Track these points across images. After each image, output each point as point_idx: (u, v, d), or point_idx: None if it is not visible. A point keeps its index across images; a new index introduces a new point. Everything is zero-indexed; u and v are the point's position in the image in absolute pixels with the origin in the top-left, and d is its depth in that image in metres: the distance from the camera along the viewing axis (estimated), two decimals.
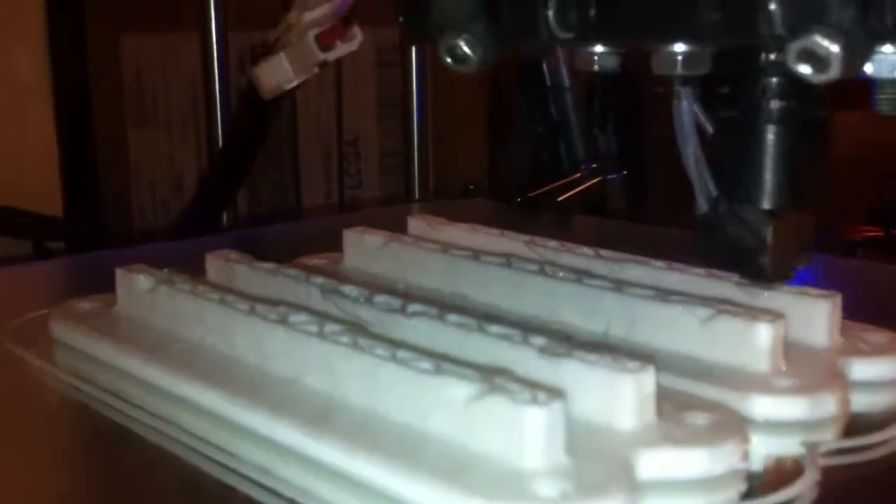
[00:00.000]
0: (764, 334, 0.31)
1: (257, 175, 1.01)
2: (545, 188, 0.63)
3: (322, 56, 0.55)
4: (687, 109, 0.32)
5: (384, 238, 0.43)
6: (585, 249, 0.41)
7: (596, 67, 0.32)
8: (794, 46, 0.27)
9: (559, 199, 0.63)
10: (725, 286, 0.36)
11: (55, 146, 0.69)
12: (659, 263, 0.38)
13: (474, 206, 0.67)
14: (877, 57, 0.29)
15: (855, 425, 0.30)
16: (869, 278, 0.48)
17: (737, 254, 0.33)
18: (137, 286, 0.36)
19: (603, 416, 0.27)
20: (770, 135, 0.32)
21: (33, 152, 0.69)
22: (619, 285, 0.35)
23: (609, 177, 0.66)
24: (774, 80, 0.31)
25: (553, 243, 0.42)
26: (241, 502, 0.26)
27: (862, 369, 0.33)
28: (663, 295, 0.34)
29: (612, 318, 0.35)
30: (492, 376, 0.26)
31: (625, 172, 0.67)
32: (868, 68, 0.28)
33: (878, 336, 0.35)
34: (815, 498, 0.26)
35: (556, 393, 0.25)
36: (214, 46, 0.76)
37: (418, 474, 0.25)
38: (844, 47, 0.26)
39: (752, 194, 0.32)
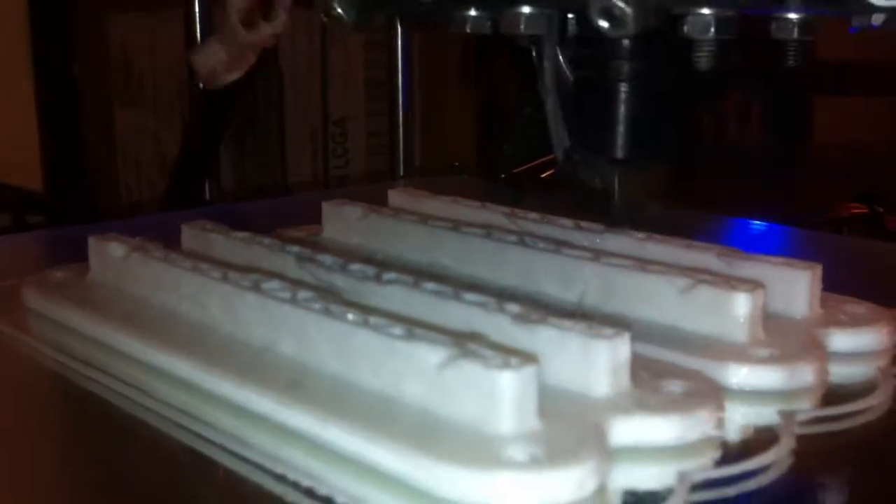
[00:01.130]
0: (742, 303, 0.31)
1: (244, 155, 1.01)
2: (529, 165, 0.63)
3: (244, 35, 0.55)
4: (549, 68, 0.35)
5: (363, 210, 0.43)
6: (565, 221, 0.40)
7: (522, 28, 0.34)
8: (595, 4, 0.31)
9: (542, 175, 0.62)
10: (706, 257, 0.36)
11: (35, 119, 0.68)
12: (639, 234, 0.38)
13: (459, 183, 0.67)
14: (691, 18, 0.32)
15: (834, 395, 0.30)
16: (852, 253, 0.48)
17: (590, 199, 0.37)
18: (110, 254, 0.36)
19: (577, 383, 0.27)
20: (619, 92, 0.35)
21: (14, 125, 0.69)
22: (598, 255, 0.35)
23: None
24: (625, 42, 0.35)
25: (533, 215, 0.41)
26: (212, 469, 0.26)
27: (841, 340, 0.33)
28: (642, 265, 0.34)
29: (590, 287, 0.34)
30: (464, 341, 0.26)
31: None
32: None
33: (859, 308, 0.35)
34: (791, 465, 0.26)
35: (529, 357, 0.25)
36: (198, 26, 0.75)
37: (388, 440, 0.24)
38: (635, 6, 0.30)
39: (603, 144, 0.36)
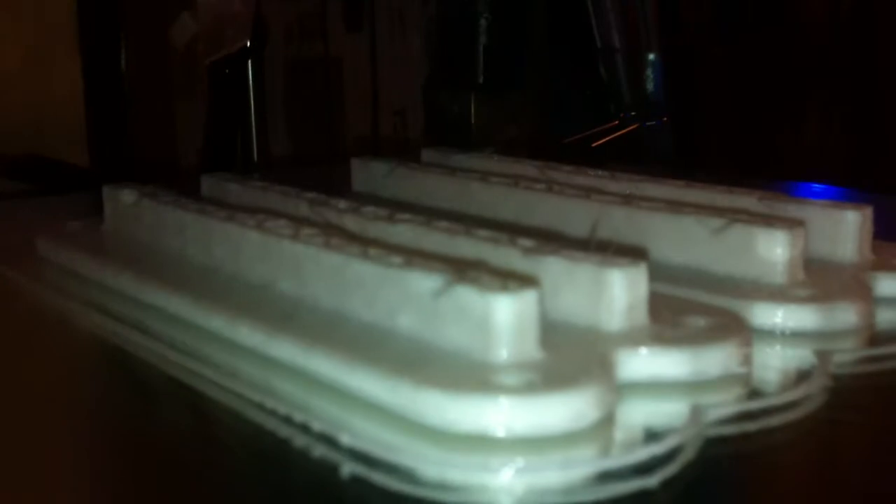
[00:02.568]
0: (780, 241, 0.29)
1: (300, 143, 1.00)
2: (581, 135, 0.60)
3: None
4: None
5: (390, 164, 0.41)
6: (600, 172, 0.38)
7: None
8: None
9: (594, 144, 0.60)
10: (747, 201, 0.33)
11: (82, 98, 0.68)
12: (678, 182, 0.36)
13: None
14: None
15: (879, 339, 0.27)
16: None
17: (450, 125, 0.40)
18: (122, 200, 0.35)
19: (589, 316, 0.25)
20: (477, 23, 0.39)
21: (61, 102, 0.69)
22: (630, 199, 0.33)
23: (648, 124, 0.63)
24: None
25: (567, 167, 0.39)
26: (193, 399, 0.24)
27: (891, 284, 0.30)
28: (675, 207, 0.32)
29: (620, 231, 0.32)
30: (464, 269, 0.24)
31: (665, 119, 0.64)
32: None
33: None
34: (822, 403, 0.23)
35: (529, 281, 0.23)
36: None
37: (371, 365, 0.23)
38: None
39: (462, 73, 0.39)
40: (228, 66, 0.60)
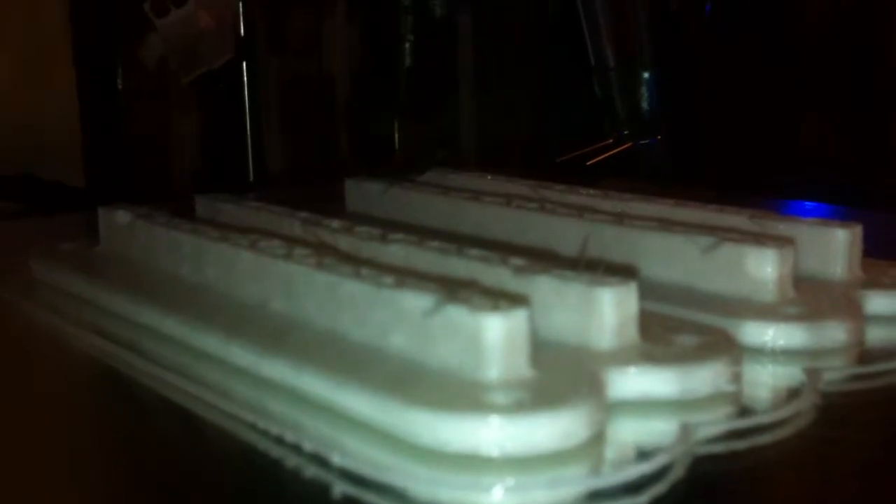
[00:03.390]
0: (770, 260, 0.29)
1: (297, 158, 1.01)
2: (575, 153, 0.61)
3: (158, 20, 0.59)
4: None
5: (384, 184, 0.41)
6: (592, 191, 0.38)
7: None
8: None
9: (588, 163, 0.60)
10: (737, 219, 0.34)
11: (77, 116, 0.69)
12: (668, 200, 0.36)
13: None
14: None
15: (870, 357, 0.28)
16: None
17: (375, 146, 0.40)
18: (117, 221, 0.35)
19: (579, 335, 0.25)
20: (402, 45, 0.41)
21: (56, 121, 0.69)
22: (621, 219, 0.33)
23: (641, 142, 0.64)
24: None
25: (560, 186, 0.40)
26: (186, 420, 0.24)
27: (882, 302, 0.30)
28: (665, 226, 0.32)
29: (612, 250, 0.32)
30: (455, 289, 0.24)
31: (659, 137, 0.64)
32: None
33: None
34: (810, 422, 0.24)
35: (519, 300, 0.23)
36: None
37: (361, 385, 0.23)
38: None
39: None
40: (220, 81, 0.60)
